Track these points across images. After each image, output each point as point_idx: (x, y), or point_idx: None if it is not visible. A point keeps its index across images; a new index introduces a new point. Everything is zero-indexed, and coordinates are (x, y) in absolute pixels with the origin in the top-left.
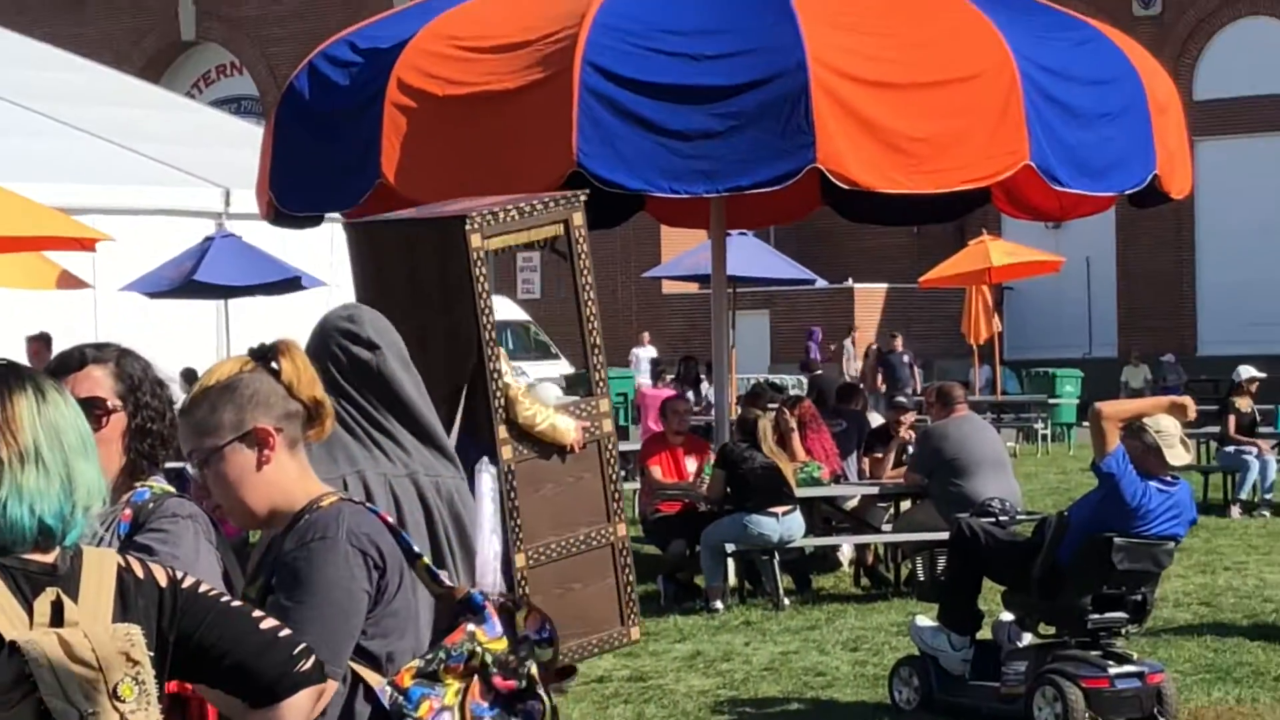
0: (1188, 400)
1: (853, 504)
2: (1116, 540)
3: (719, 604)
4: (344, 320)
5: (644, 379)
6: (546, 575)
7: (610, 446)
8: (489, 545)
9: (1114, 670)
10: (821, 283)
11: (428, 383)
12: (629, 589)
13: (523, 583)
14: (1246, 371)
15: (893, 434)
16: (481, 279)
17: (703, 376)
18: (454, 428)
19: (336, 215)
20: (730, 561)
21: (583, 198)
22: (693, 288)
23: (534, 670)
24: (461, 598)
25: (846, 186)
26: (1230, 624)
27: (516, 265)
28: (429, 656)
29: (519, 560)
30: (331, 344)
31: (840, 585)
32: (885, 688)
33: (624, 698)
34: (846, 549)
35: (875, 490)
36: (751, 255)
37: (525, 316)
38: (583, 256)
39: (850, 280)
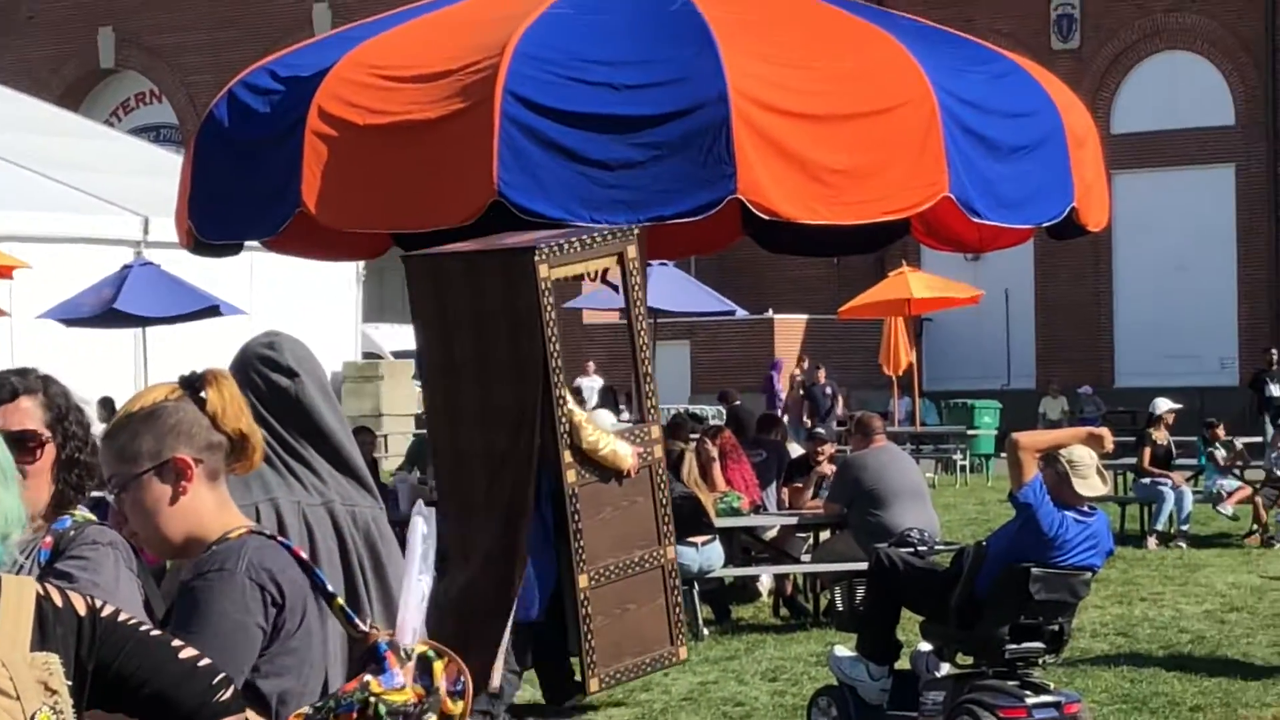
0: (1104, 432)
1: (772, 534)
2: (1034, 570)
3: None
4: (264, 347)
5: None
6: (607, 596)
7: (660, 471)
8: (414, 592)
9: (1031, 700)
10: (742, 313)
11: (493, 409)
12: (677, 609)
13: (585, 603)
14: (1163, 404)
15: (812, 464)
16: (549, 308)
17: (623, 407)
18: (535, 456)
19: (256, 244)
20: None
21: (636, 231)
22: (613, 317)
23: None
24: (370, 645)
25: (767, 217)
26: (1146, 654)
27: None
28: (319, 705)
29: (581, 581)
30: (251, 371)
31: (759, 615)
32: (804, 718)
33: None
34: (765, 579)
35: (794, 520)
36: (672, 286)
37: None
38: (636, 288)
39: (771, 311)
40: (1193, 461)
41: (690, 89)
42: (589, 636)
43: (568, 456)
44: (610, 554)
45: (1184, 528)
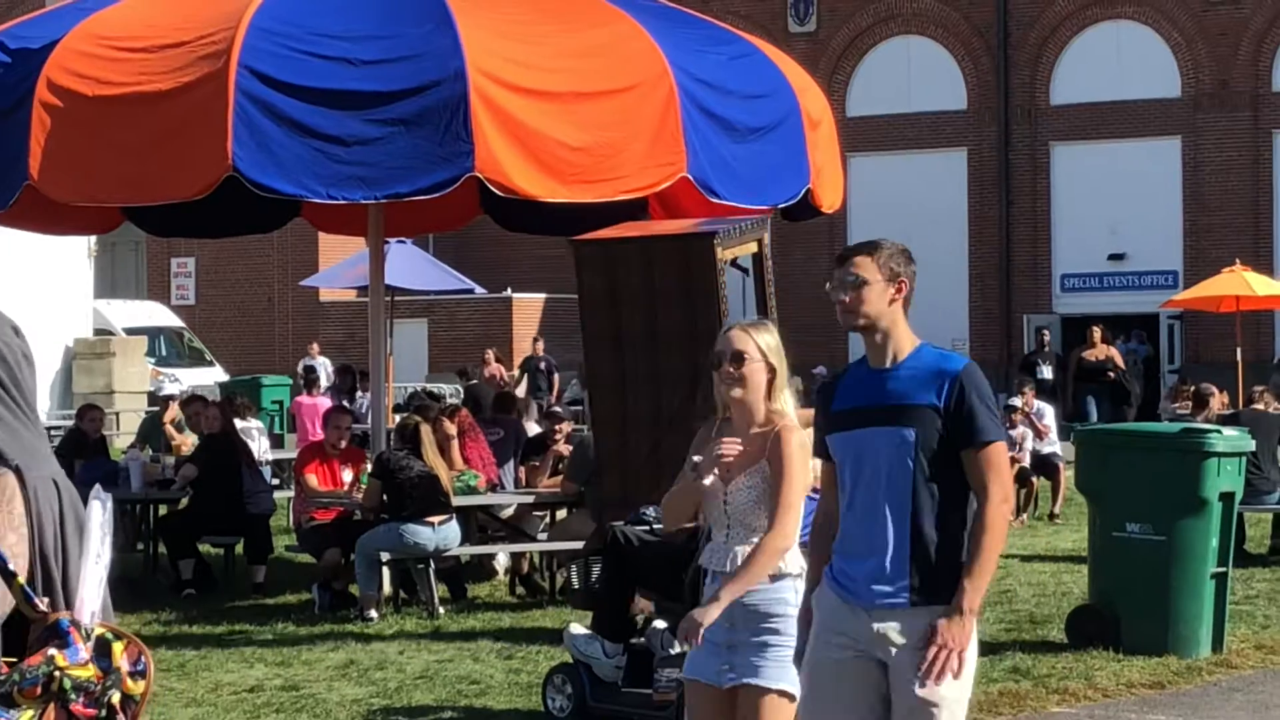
0: None
1: (509, 512)
2: None
3: (373, 613)
4: None
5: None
6: None
7: None
8: (93, 573)
9: None
10: (480, 291)
11: (665, 374)
12: None
13: None
14: None
15: (549, 443)
16: (724, 284)
17: (359, 391)
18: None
19: None
20: (385, 570)
21: (768, 219)
22: (350, 295)
23: (115, 699)
24: (51, 623)
25: (505, 195)
26: None
27: (170, 270)
28: (2, 678)
29: None
30: (3, 335)
31: (495, 594)
32: (539, 695)
33: (276, 707)
34: (502, 558)
35: (531, 499)
36: (410, 264)
37: (179, 323)
38: (768, 270)
39: (509, 290)
40: None
41: (428, 65)
42: None
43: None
44: None
45: None
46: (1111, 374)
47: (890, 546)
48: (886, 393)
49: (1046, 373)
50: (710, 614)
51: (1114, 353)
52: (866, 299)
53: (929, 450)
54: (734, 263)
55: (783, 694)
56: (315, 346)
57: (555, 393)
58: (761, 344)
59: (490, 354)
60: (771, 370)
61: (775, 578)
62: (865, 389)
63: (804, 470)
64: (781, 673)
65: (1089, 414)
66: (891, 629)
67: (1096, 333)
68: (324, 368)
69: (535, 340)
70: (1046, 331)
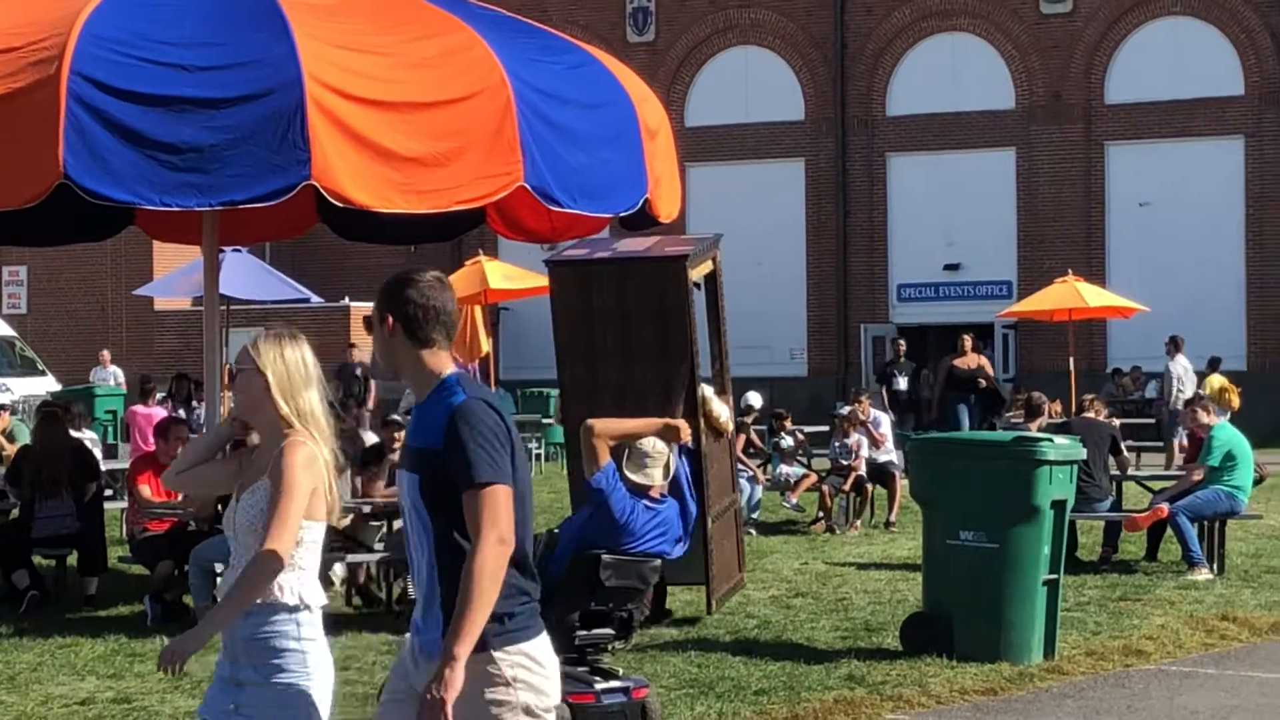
0: (681, 423)
1: (345, 522)
2: (604, 557)
3: None
4: None
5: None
6: (717, 531)
7: (729, 436)
8: None
9: (600, 686)
10: (317, 301)
11: (636, 387)
12: (741, 542)
13: (710, 540)
14: (755, 399)
15: (385, 452)
16: (692, 304)
17: (195, 402)
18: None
19: None
20: (219, 581)
21: (719, 239)
22: (186, 304)
23: None
24: None
25: (341, 204)
26: (714, 640)
27: (1, 279)
28: None
29: (710, 523)
30: None
31: (332, 604)
32: (374, 706)
33: None
34: (339, 568)
35: (368, 508)
36: (246, 272)
37: (11, 332)
38: (720, 285)
39: (347, 299)
40: (761, 447)
41: (264, 73)
42: (711, 567)
43: (702, 424)
44: (717, 500)
45: (754, 515)
46: (983, 382)
47: (424, 591)
48: (410, 433)
49: (902, 384)
50: (188, 645)
51: (984, 361)
52: (374, 342)
53: (437, 494)
54: (694, 283)
55: None
56: (106, 354)
57: (374, 400)
58: (254, 351)
59: None
60: (262, 377)
61: (271, 608)
62: (411, 426)
63: (301, 485)
64: (291, 715)
65: (961, 423)
66: (424, 672)
67: (967, 341)
68: (114, 377)
69: (351, 347)
70: (902, 342)
